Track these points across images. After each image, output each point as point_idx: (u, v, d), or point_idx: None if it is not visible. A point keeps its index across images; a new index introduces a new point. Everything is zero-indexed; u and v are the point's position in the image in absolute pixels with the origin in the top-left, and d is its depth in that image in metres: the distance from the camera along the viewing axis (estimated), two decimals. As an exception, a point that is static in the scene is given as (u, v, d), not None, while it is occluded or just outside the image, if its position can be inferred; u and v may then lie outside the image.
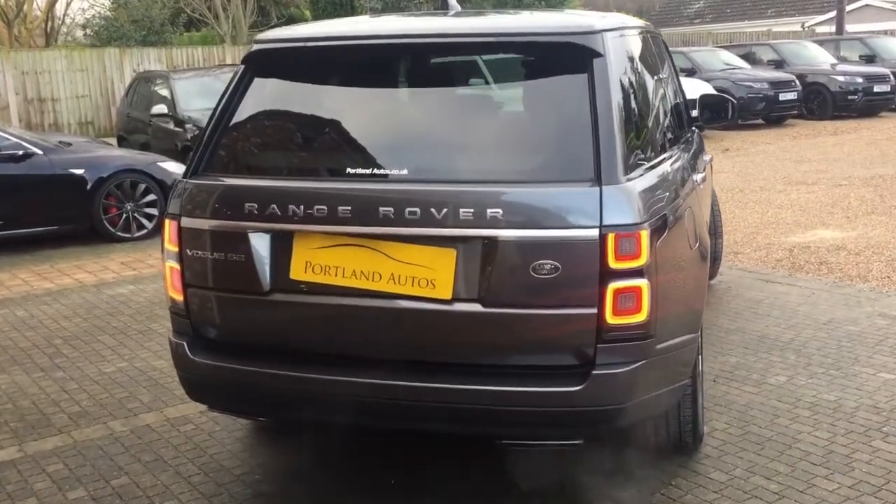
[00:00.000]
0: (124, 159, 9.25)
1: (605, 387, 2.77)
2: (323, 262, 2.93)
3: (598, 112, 2.83)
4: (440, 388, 2.84)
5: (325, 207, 2.87)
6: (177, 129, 11.86)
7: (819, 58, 20.52)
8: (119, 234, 8.79)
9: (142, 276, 7.30)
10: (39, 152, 8.55)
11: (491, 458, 3.57)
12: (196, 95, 11.97)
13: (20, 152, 8.43)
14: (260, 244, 2.99)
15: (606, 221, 2.70)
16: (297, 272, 2.97)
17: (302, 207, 2.89)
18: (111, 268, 7.69)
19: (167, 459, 3.83)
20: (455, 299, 2.81)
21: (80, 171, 8.65)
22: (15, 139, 8.59)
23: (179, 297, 3.20)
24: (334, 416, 3.03)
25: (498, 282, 2.77)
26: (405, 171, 2.89)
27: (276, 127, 3.28)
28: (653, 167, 3.09)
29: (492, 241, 2.76)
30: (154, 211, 8.93)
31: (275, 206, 2.93)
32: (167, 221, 3.19)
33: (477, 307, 2.80)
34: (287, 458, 3.85)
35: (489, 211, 2.74)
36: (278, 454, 3.88)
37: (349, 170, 2.95)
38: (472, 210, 2.74)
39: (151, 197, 8.93)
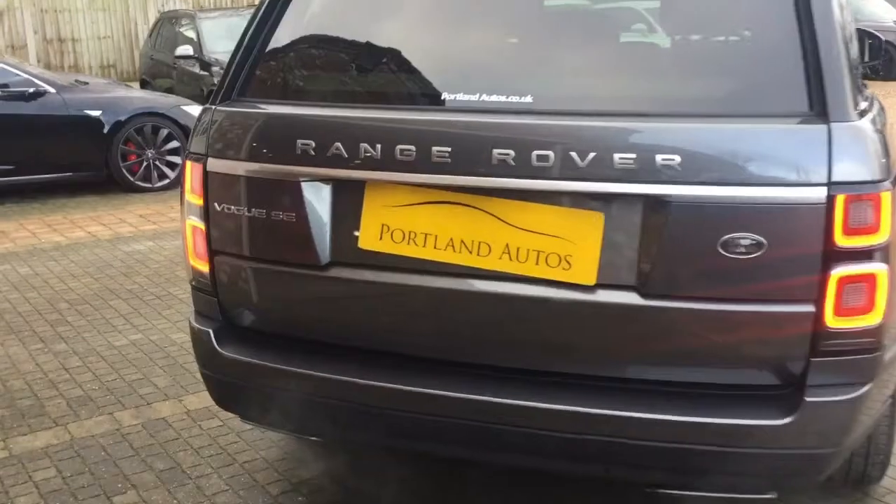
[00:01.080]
0: (145, 101, 8.40)
1: (820, 421, 1.90)
2: (406, 225, 2.07)
3: (813, 15, 1.92)
4: (571, 413, 1.98)
5: (412, 148, 2.00)
6: (202, 72, 11.04)
7: (882, 13, 19.19)
8: (138, 183, 7.98)
9: (162, 231, 6.49)
10: (52, 90, 7.73)
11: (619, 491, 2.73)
12: (223, 37, 11.13)
13: (30, 90, 7.62)
14: (317, 198, 2.13)
15: (837, 177, 1.82)
16: (369, 239, 2.11)
17: (379, 147, 2.03)
18: (128, 220, 6.89)
19: (186, 468, 3.02)
20: (600, 285, 1.94)
21: (96, 113, 7.81)
22: (25, 75, 7.76)
23: (203, 268, 2.35)
24: (415, 443, 2.19)
25: (668, 262, 1.90)
26: (529, 99, 2.00)
27: (340, 35, 2.39)
28: (867, 104, 2.18)
29: (660, 202, 1.88)
30: (177, 159, 8.09)
31: (339, 144, 2.07)
32: (188, 164, 2.34)
33: (633, 297, 1.93)
34: (340, 472, 3.01)
35: (659, 158, 1.85)
36: (328, 466, 3.04)
37: (447, 95, 2.07)
38: (632, 156, 1.86)
39: (174, 143, 8.09)
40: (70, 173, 7.77)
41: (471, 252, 2.02)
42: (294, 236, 2.16)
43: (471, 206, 2.01)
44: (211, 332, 2.32)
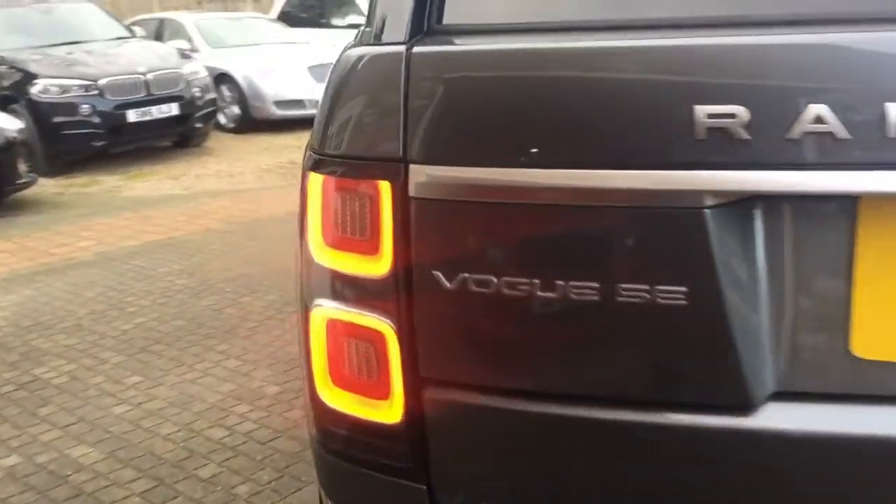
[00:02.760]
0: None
1: None
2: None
3: None
4: None
5: None
6: (-14, 73, 9.03)
7: None
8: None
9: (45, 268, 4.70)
10: None
11: None
12: (10, 31, 9.24)
13: None
14: (733, 243, 0.89)
15: None
16: (874, 337, 0.89)
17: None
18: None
19: None
20: None
21: None
22: None
23: (385, 415, 1.03)
24: None
25: None
26: None
27: None
28: None
29: None
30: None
31: (816, 117, 0.84)
32: (320, 183, 1.01)
33: None
34: None
35: None
36: None
37: None
38: None
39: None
40: None
41: None
42: (680, 338, 0.90)
43: None
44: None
